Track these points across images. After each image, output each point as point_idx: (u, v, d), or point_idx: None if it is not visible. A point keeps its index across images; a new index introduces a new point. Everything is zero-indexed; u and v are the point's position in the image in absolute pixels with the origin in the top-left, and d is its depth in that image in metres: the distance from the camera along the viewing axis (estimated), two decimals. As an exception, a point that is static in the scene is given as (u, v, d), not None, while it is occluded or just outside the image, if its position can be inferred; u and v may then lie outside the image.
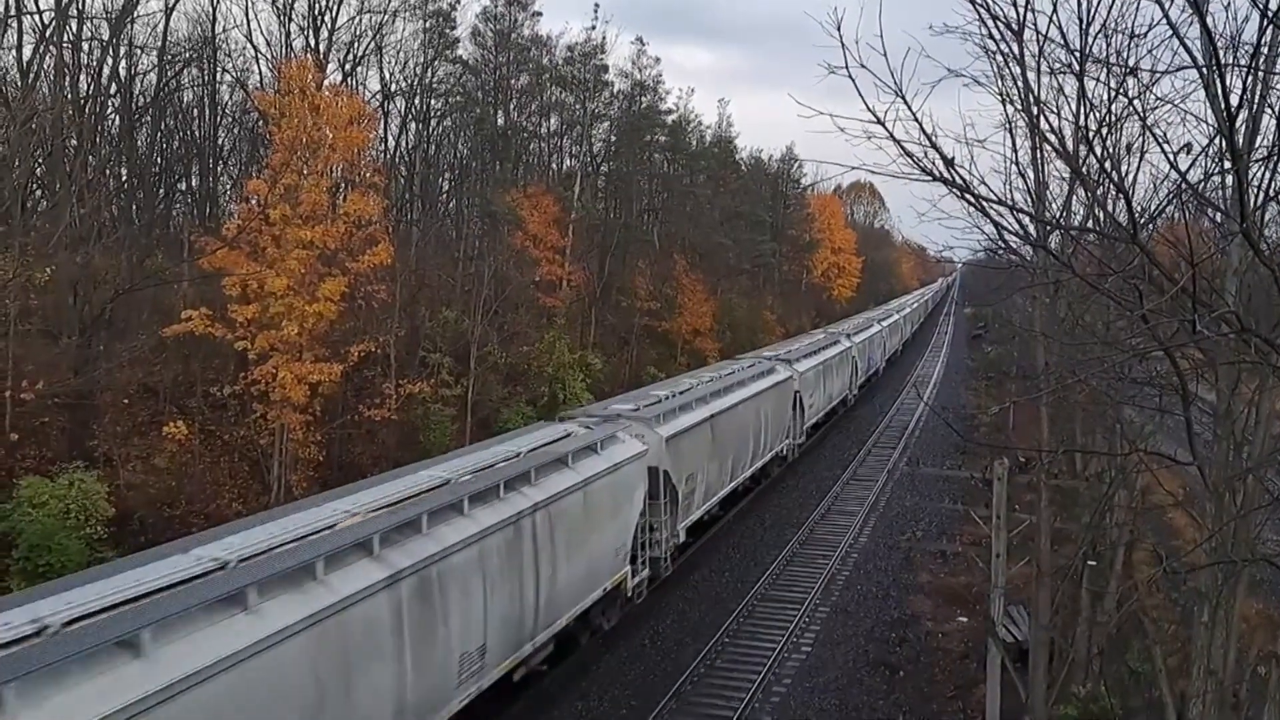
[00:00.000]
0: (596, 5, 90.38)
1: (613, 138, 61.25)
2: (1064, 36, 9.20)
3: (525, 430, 25.12)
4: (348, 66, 42.17)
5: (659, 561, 27.52)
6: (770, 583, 29.18)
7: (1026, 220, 11.09)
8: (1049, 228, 10.05)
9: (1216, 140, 8.35)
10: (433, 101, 47.84)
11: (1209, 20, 5.28)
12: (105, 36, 33.35)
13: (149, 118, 38.00)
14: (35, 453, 25.81)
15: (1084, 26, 10.04)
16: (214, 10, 39.27)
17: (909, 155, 6.32)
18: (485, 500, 17.82)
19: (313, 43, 38.68)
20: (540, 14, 55.77)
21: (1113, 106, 9.81)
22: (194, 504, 27.13)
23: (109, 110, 36.21)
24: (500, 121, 52.22)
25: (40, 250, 25.38)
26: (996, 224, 8.88)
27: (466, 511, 17.10)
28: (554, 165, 61.77)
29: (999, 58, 11.80)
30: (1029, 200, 14.74)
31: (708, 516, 32.57)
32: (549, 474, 20.22)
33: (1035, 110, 10.21)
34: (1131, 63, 8.50)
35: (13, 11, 30.96)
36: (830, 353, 53.57)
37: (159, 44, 36.90)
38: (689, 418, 29.82)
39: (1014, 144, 14.82)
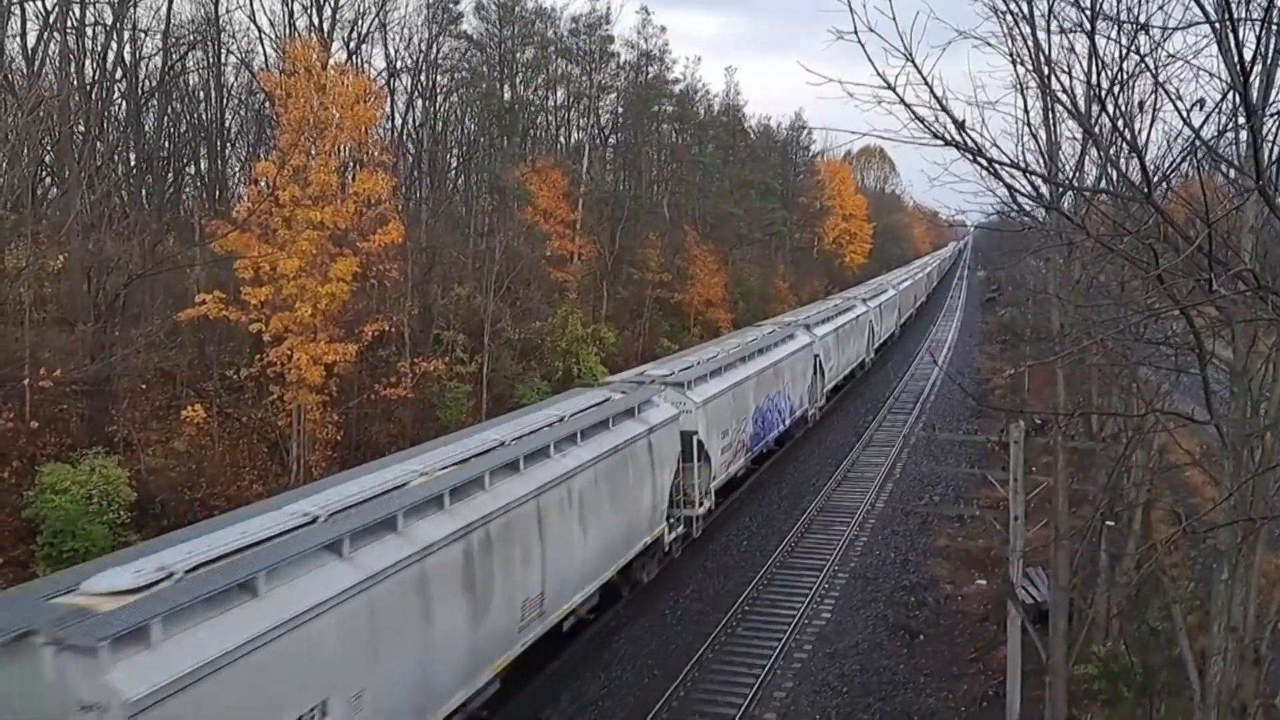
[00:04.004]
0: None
1: (620, 109, 60.92)
2: (1074, -7, 9.04)
3: (743, 330, 46.33)
4: (352, 44, 42.10)
5: (812, 410, 45.18)
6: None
7: (1039, 182, 10.99)
8: (1062, 189, 9.94)
9: (1230, 96, 8.25)
10: (438, 78, 47.68)
11: (1221, -27, 5.20)
12: (109, 21, 33.32)
13: (155, 102, 37.97)
14: (55, 439, 26.00)
15: (1094, -17, 9.88)
16: (216, -9, 39.12)
17: (919, 120, 6.23)
18: (762, 354, 37.14)
19: (316, 21, 38.57)
20: (544, -14, 55.36)
21: (1124, 64, 9.67)
22: (215, 486, 27.33)
23: (115, 95, 36.23)
24: (507, 96, 52.01)
25: (52, 238, 25.52)
26: (1009, 186, 8.80)
27: (745, 362, 35.08)
28: (562, 138, 61.55)
29: (1009, 17, 11.64)
30: (1041, 161, 14.63)
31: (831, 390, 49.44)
32: (782, 345, 40.36)
33: (1046, 70, 10.05)
34: (1143, 19, 8.36)
35: (15, -1, 30.98)
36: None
37: (163, 27, 36.90)
38: (830, 326, 49.61)
39: (1025, 105, 14.65)
